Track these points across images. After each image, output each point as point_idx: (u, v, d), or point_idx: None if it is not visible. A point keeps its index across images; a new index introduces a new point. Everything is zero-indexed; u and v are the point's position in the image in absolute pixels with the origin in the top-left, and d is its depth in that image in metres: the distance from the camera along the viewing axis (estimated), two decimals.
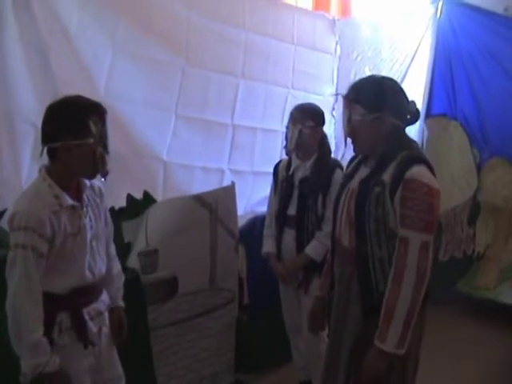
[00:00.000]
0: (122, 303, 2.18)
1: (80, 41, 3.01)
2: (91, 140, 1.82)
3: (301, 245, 2.87)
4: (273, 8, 4.26)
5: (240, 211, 3.18)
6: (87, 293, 1.97)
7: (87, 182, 1.98)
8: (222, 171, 3.98)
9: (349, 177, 2.00)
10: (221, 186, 3.52)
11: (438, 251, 4.45)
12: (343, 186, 2.01)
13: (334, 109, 4.65)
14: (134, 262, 2.68)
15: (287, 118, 2.98)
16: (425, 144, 4.40)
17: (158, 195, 3.22)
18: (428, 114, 4.45)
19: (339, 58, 4.74)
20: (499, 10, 4.54)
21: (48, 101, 2.87)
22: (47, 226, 1.78)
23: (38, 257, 1.77)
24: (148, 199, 2.90)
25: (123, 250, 2.59)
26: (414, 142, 1.99)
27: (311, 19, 4.59)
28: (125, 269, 2.50)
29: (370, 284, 1.83)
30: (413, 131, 3.90)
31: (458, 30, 4.35)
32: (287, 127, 2.93)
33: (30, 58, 2.82)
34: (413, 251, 1.70)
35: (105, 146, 1.87)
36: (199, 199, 2.86)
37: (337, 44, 4.73)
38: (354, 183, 1.92)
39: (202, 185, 3.54)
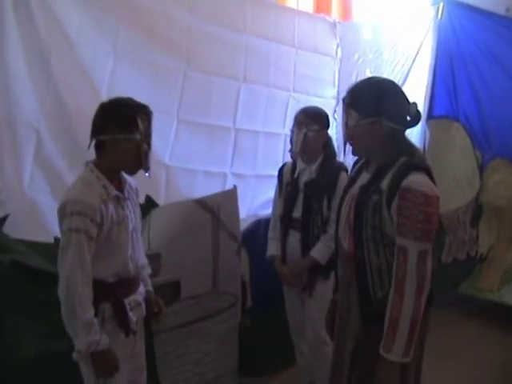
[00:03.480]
0: (152, 289, 2.30)
1: (81, 46, 3.02)
2: (138, 136, 1.96)
3: (306, 247, 2.86)
4: (274, 11, 4.27)
5: (242, 215, 3.18)
6: (128, 283, 2.09)
7: (127, 178, 2.11)
8: (225, 175, 3.99)
9: (352, 181, 2.00)
10: (223, 189, 3.52)
11: (440, 253, 4.44)
12: (346, 189, 2.01)
13: (335, 111, 4.65)
14: None
15: (289, 121, 2.98)
16: (427, 146, 4.39)
17: (161, 199, 3.22)
18: (430, 116, 4.44)
19: (340, 60, 4.75)
20: (501, 10, 4.55)
21: (49, 105, 2.92)
22: (97, 213, 1.90)
23: (89, 240, 1.88)
24: (150, 203, 2.90)
25: None
26: (414, 146, 1.96)
27: (312, 22, 4.60)
28: None
29: (367, 291, 1.82)
30: (415, 133, 3.90)
31: (459, 31, 4.34)
32: (292, 131, 2.92)
33: (31, 64, 2.83)
34: (411, 260, 1.69)
35: (149, 144, 2.02)
36: (201, 203, 2.86)
37: (338, 47, 4.73)
38: (355, 189, 1.91)
39: (204, 189, 3.55)
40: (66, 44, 2.95)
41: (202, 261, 2.90)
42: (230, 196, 2.99)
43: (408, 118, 1.87)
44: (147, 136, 2.01)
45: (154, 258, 2.70)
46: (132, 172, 2.07)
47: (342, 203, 2.00)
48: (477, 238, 4.55)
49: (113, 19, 3.17)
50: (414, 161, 1.80)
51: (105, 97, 3.08)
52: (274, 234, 3.04)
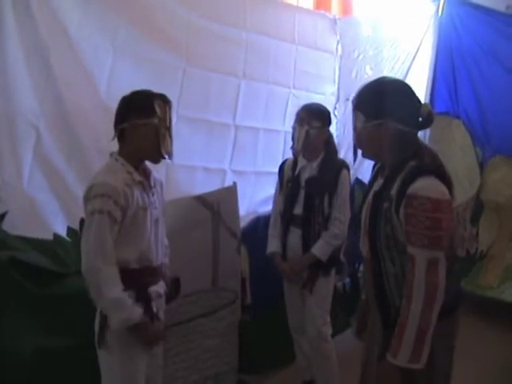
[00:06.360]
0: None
1: (80, 42, 3.00)
2: (156, 120, 2.02)
3: (307, 244, 2.87)
4: (273, 8, 4.25)
5: (242, 211, 3.17)
6: (151, 272, 2.11)
7: (151, 171, 2.17)
8: (224, 172, 3.97)
9: (369, 186, 1.97)
10: (223, 186, 3.51)
11: None
12: (365, 195, 1.97)
13: (335, 108, 4.64)
14: None
15: (289, 118, 2.98)
16: (427, 143, 4.38)
17: None
18: None
19: (340, 57, 4.73)
20: (501, 7, 4.54)
21: (49, 102, 2.90)
22: (121, 195, 1.94)
23: (112, 222, 1.92)
24: None
25: None
26: (425, 147, 1.86)
27: (312, 18, 4.57)
28: None
29: (386, 300, 1.80)
30: None
31: (460, 28, 4.34)
32: (293, 127, 2.92)
33: (30, 60, 2.80)
34: (419, 268, 1.65)
35: (169, 130, 2.07)
36: (201, 200, 2.85)
37: (338, 43, 4.71)
38: (370, 195, 1.88)
39: (203, 185, 3.53)
40: (65, 40, 2.93)
41: (202, 258, 2.90)
42: (230, 193, 2.98)
43: (420, 118, 1.81)
44: (166, 121, 2.05)
45: None
46: (155, 158, 2.10)
47: (362, 208, 1.96)
48: (477, 235, 4.55)
49: (112, 16, 3.15)
50: (422, 165, 1.74)
51: (104, 93, 3.09)
52: (274, 230, 3.04)
